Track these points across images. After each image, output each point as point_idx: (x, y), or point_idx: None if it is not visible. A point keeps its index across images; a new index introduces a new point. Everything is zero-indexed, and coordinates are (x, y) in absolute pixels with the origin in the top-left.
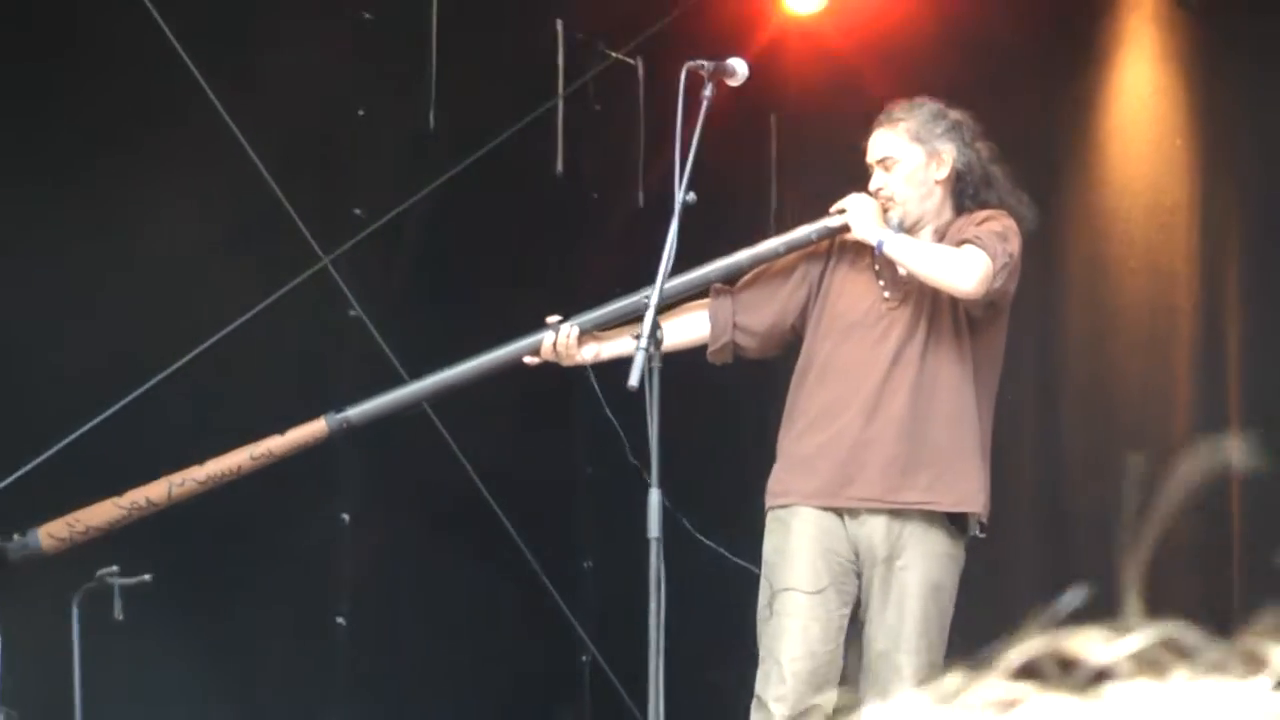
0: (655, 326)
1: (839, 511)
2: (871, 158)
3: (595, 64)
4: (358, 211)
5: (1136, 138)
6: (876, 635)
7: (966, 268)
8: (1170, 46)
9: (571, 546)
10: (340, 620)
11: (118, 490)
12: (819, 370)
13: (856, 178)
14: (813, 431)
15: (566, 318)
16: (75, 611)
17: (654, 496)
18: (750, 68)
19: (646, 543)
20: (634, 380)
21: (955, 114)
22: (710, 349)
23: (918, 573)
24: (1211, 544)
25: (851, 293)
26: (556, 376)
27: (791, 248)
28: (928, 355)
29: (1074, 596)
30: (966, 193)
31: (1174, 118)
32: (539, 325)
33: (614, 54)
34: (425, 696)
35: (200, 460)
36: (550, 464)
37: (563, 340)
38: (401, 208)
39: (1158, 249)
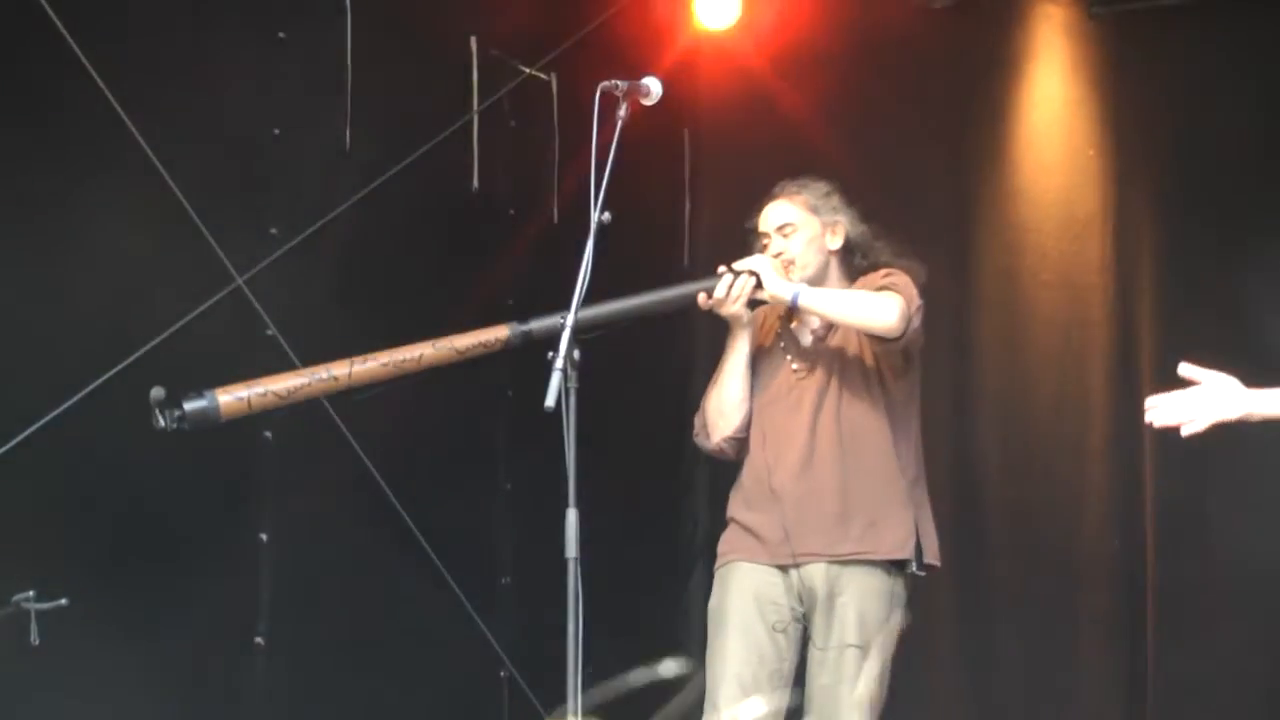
0: (571, 347)
1: (782, 567)
2: (768, 226)
3: (509, 80)
4: (273, 231)
5: (1049, 149)
6: (820, 671)
7: (885, 307)
8: (1082, 58)
9: (490, 563)
10: (259, 640)
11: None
12: (753, 443)
13: (769, 190)
14: (752, 498)
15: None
16: None
17: (571, 517)
18: (664, 85)
19: (565, 561)
20: (550, 401)
21: (839, 193)
22: (727, 437)
23: (856, 609)
24: (1125, 558)
25: (767, 369)
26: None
27: (685, 298)
28: (844, 415)
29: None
30: (855, 259)
31: (1087, 129)
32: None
33: (527, 70)
34: (344, 716)
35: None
36: (470, 480)
37: (738, 289)
38: (315, 226)
39: (1071, 261)
